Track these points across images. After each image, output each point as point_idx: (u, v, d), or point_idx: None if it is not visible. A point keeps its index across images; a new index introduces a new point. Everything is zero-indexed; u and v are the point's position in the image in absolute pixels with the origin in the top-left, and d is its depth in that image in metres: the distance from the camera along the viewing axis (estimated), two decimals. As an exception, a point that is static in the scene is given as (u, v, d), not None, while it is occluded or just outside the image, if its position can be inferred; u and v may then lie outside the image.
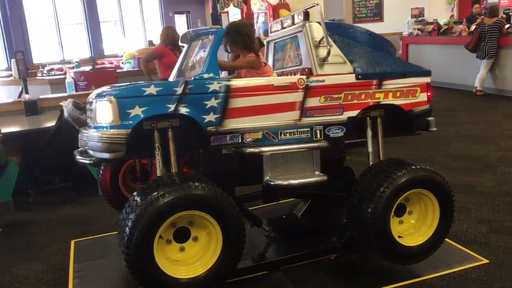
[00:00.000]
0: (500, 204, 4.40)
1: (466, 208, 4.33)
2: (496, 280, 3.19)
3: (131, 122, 2.79)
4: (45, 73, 8.85)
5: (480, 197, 4.59)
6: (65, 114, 5.00)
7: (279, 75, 3.63)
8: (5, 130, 5.07)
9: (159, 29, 17.94)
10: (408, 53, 11.95)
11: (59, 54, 13.79)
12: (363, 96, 3.26)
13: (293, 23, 3.49)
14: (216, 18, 10.94)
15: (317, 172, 3.16)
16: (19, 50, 7.42)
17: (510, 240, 3.72)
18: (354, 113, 3.26)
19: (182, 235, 2.88)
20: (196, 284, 2.84)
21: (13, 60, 6.89)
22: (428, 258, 3.29)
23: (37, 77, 8.58)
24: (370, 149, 3.38)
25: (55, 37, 13.81)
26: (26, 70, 6.79)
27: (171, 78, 3.55)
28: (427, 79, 3.46)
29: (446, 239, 3.43)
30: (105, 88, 3.02)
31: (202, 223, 2.86)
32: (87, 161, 3.10)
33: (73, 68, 8.56)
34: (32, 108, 5.57)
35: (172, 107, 2.85)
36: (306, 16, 3.32)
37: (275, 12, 15.52)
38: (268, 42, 4.01)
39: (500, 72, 9.55)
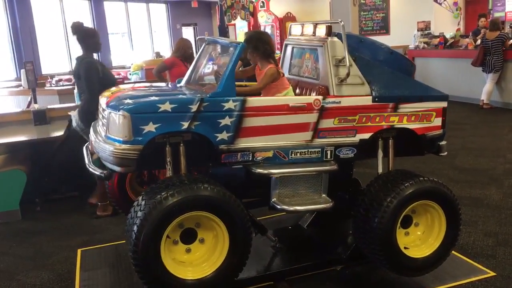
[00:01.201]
0: (507, 217, 4.38)
1: (472, 221, 4.32)
2: (503, 293, 3.17)
3: (143, 138, 2.79)
4: (53, 84, 8.93)
5: (487, 210, 4.57)
6: (73, 124, 5.04)
7: (295, 83, 3.58)
8: (14, 139, 5.12)
9: (167, 41, 18.14)
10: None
11: (68, 65, 13.91)
12: (377, 119, 3.20)
13: (314, 34, 3.42)
14: (223, 31, 11.01)
15: (324, 195, 3.15)
16: (29, 60, 7.49)
17: (517, 253, 3.70)
18: (367, 135, 3.20)
19: (189, 237, 2.89)
20: (202, 285, 2.84)
21: (22, 71, 6.95)
22: (434, 270, 3.28)
23: (46, 88, 8.65)
24: (380, 170, 3.32)
25: (64, 48, 13.95)
26: (35, 81, 6.85)
27: (183, 82, 3.53)
28: (443, 104, 3.37)
29: (453, 252, 3.42)
30: (120, 95, 3.00)
31: (209, 224, 2.87)
32: (98, 173, 3.09)
33: (81, 78, 8.64)
34: (41, 117, 5.62)
35: (185, 124, 2.84)
36: (329, 31, 3.22)
37: (281, 24, 15.63)
38: (286, 45, 3.92)
39: (506, 85, 9.55)
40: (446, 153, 3.53)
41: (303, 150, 3.10)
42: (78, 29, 4.72)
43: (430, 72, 10.93)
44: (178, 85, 3.53)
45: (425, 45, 12.02)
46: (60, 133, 5.15)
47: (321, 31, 3.29)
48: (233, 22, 13.31)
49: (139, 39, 17.29)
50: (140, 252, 2.68)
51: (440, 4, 13.89)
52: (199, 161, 3.13)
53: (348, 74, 3.07)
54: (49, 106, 5.97)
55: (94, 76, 4.54)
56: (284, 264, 3.58)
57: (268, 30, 15.13)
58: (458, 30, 13.57)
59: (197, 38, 3.91)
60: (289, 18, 16.21)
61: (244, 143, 2.97)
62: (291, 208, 3.05)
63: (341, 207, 3.64)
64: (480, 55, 9.40)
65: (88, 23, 14.74)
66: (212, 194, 2.78)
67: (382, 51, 3.44)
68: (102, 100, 3.15)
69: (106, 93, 3.27)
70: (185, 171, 2.99)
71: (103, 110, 3.04)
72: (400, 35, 13.86)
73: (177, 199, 2.69)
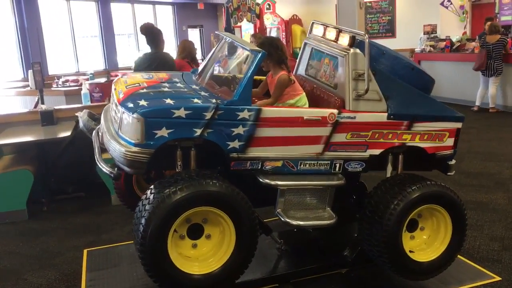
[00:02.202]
0: (513, 221, 4.37)
1: (478, 225, 4.31)
2: (509, 298, 3.16)
3: (155, 142, 2.78)
4: (60, 84, 8.98)
5: (492, 214, 4.56)
6: (80, 124, 5.06)
7: (311, 86, 3.53)
8: (21, 139, 5.16)
9: (172, 42, 18.17)
10: (420, 69, 11.92)
11: (74, 66, 13.96)
12: (390, 136, 3.17)
13: (336, 41, 3.32)
14: (229, 33, 11.06)
15: (328, 208, 3.14)
16: (36, 61, 7.54)
17: (523, 258, 3.69)
18: (377, 151, 3.18)
19: (195, 232, 2.90)
20: (209, 280, 2.86)
21: (30, 71, 6.99)
22: (440, 274, 3.28)
23: (52, 88, 8.71)
24: None
25: (71, 49, 14.01)
26: (43, 81, 6.89)
27: (198, 76, 3.49)
28: (458, 125, 3.34)
29: (458, 256, 3.42)
30: (135, 93, 2.96)
31: (216, 220, 2.88)
32: (108, 172, 3.09)
33: (88, 79, 8.68)
34: (48, 118, 5.65)
35: (198, 131, 2.83)
36: (352, 41, 3.13)
37: (287, 27, 15.63)
38: (306, 44, 3.84)
39: (510, 89, 9.56)
40: (453, 172, 3.50)
41: (312, 162, 3.09)
42: (149, 30, 5.25)
43: (437, 75, 10.82)
44: (194, 77, 3.49)
45: (431, 49, 11.99)
46: (67, 133, 5.18)
47: (344, 39, 3.20)
48: (239, 24, 13.33)
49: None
50: (148, 245, 2.69)
51: (447, 7, 13.84)
52: (209, 165, 3.12)
53: (366, 91, 3.04)
54: (56, 107, 6.00)
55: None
56: (289, 266, 3.59)
57: (274, 32, 15.12)
58: (464, 33, 13.52)
59: (215, 32, 3.99)
60: (295, 20, 16.20)
61: (255, 152, 2.97)
62: (294, 223, 3.04)
63: (347, 210, 3.66)
64: (484, 59, 9.34)
65: (95, 24, 14.81)
66: (220, 189, 2.79)
67: (403, 66, 3.38)
68: (116, 94, 3.10)
69: (120, 85, 3.21)
70: None
71: (116, 105, 3.01)
72: (406, 38, 13.84)
73: (186, 193, 2.71)
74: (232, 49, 3.52)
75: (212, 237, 2.93)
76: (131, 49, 16.54)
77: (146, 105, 2.82)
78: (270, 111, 2.97)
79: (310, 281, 3.43)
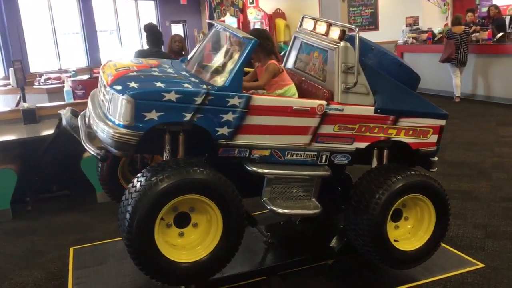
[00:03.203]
0: (495, 209, 4.45)
1: (462, 214, 4.38)
2: (491, 284, 3.23)
3: (144, 125, 2.76)
4: (42, 82, 8.88)
5: (475, 202, 4.64)
6: (64, 122, 4.99)
7: (300, 79, 3.54)
8: (4, 138, 5.09)
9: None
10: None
11: (56, 63, 13.80)
12: (376, 130, 3.22)
13: (326, 34, 3.35)
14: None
15: (314, 199, 3.16)
16: (17, 59, 7.43)
17: (505, 244, 3.76)
18: (363, 144, 3.22)
19: (182, 221, 2.90)
20: (196, 268, 2.86)
21: (11, 69, 6.88)
22: (424, 263, 3.33)
23: (34, 86, 8.61)
24: None
25: (52, 46, 13.83)
26: (24, 79, 6.79)
27: (188, 62, 3.48)
28: (442, 122, 3.40)
29: (443, 244, 3.48)
30: (125, 75, 2.91)
31: (203, 208, 2.88)
32: (94, 153, 3.02)
33: (70, 77, 8.59)
34: (30, 116, 5.58)
35: (188, 116, 2.82)
36: (342, 35, 3.16)
37: (271, 21, 15.62)
38: (295, 37, 3.85)
39: (491, 79, 9.78)
40: (436, 169, 3.56)
41: (299, 152, 3.12)
42: (150, 29, 5.65)
43: (419, 67, 10.94)
44: (183, 65, 3.47)
45: (414, 41, 12.09)
46: (50, 131, 5.12)
47: (335, 33, 3.22)
48: (222, 18, 13.28)
49: (128, 37, 17.20)
50: (134, 233, 2.67)
51: (429, 0, 13.98)
52: (197, 151, 3.12)
53: (355, 84, 3.08)
54: (38, 105, 5.93)
55: None
56: (277, 259, 3.62)
57: (258, 26, 15.10)
58: (446, 25, 13.63)
59: (206, 21, 4.12)
60: (279, 14, 16.20)
61: (243, 139, 2.98)
62: (280, 211, 3.05)
63: (333, 201, 3.69)
64: (452, 50, 9.49)
65: (77, 20, 14.65)
66: (207, 177, 2.79)
67: (391, 62, 3.43)
68: (105, 77, 3.05)
69: (109, 68, 3.17)
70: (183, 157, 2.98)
71: (105, 87, 2.97)
72: (389, 31, 13.93)
73: (173, 181, 2.70)
74: (224, 37, 3.51)
75: (199, 225, 2.93)
76: (114, 45, 16.39)
77: (136, 87, 2.79)
78: (260, 99, 2.97)
79: (298, 273, 3.45)
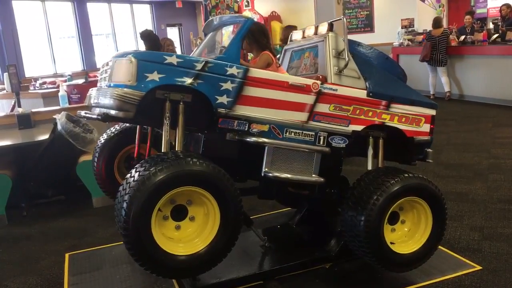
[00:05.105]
0: (492, 211, 4.45)
1: (458, 216, 4.37)
2: (489, 286, 3.22)
3: (146, 85, 2.81)
4: (37, 87, 8.85)
5: (472, 204, 4.63)
6: (59, 127, 5.01)
7: None
8: (-2, 143, 5.07)
9: (152, 41, 18.03)
10: (399, 63, 12.07)
11: (51, 68, 13.78)
12: (370, 114, 3.30)
13: (315, 33, 3.53)
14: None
15: (314, 175, 3.20)
16: (12, 64, 7.41)
17: (502, 246, 3.76)
18: (359, 127, 3.28)
19: (179, 214, 2.89)
20: (193, 261, 2.84)
21: (5, 74, 6.88)
22: (421, 266, 3.32)
23: (30, 91, 8.58)
24: (369, 167, 3.40)
25: (47, 50, 13.80)
26: (19, 84, 6.77)
27: None
28: (432, 112, 3.50)
29: (440, 247, 3.46)
30: (126, 50, 3.05)
31: (200, 201, 2.87)
32: (94, 116, 3.04)
33: (65, 81, 8.57)
34: (25, 121, 5.57)
35: (188, 80, 2.88)
36: (331, 27, 3.36)
37: (266, 24, 15.64)
38: (285, 50, 4.03)
39: (485, 81, 9.86)
40: (432, 160, 3.64)
41: (297, 131, 3.16)
42: (147, 36, 5.75)
43: (415, 68, 11.03)
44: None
45: (409, 42, 12.14)
46: (45, 136, 5.11)
47: (323, 28, 3.41)
48: (218, 21, 13.29)
49: (124, 40, 17.20)
50: (131, 223, 2.65)
51: (423, 1, 14.02)
52: (196, 125, 3.13)
53: (346, 65, 3.23)
54: (33, 110, 5.92)
55: None
56: (274, 263, 3.60)
57: (253, 29, 15.13)
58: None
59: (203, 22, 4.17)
60: (274, 17, 16.24)
61: (242, 110, 3.02)
62: (283, 175, 3.09)
63: (330, 204, 3.69)
64: (429, 51, 10.21)
65: (72, 24, 14.63)
66: (205, 169, 2.78)
67: (378, 56, 3.58)
68: (104, 64, 3.17)
69: None
70: (182, 129, 2.99)
71: (107, 64, 3.07)
72: (384, 33, 13.99)
73: (171, 172, 2.69)
74: (220, 35, 3.66)
75: (196, 218, 2.91)
76: (110, 49, 16.37)
77: (138, 51, 2.95)
78: (257, 72, 3.07)
79: (295, 277, 3.44)
